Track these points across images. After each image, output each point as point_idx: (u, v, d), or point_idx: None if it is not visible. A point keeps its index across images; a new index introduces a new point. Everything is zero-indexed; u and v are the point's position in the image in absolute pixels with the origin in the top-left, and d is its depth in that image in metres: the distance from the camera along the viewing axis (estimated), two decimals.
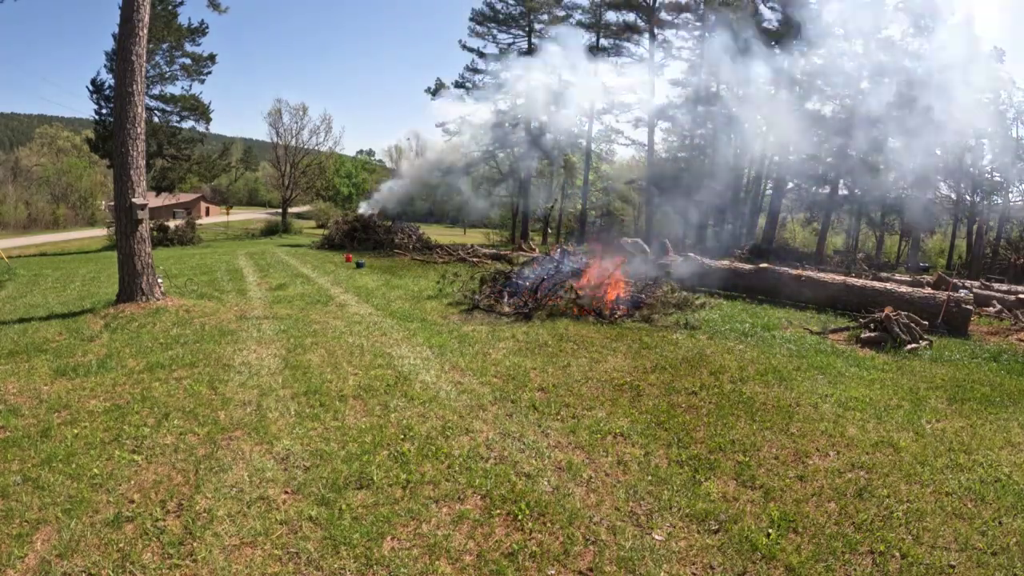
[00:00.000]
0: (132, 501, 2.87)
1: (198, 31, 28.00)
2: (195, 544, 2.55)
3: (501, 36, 34.24)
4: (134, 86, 7.22)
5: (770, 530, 2.78)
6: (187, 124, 29.43)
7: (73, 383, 4.49)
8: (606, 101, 33.71)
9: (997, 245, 30.09)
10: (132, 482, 3.04)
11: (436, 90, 34.33)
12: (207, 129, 30.27)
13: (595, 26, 32.45)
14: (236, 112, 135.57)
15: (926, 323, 7.41)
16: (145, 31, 7.36)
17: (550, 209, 37.41)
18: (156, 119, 27.76)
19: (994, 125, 28.30)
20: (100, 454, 3.32)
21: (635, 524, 2.81)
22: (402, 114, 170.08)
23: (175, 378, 4.62)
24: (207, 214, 57.45)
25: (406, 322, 7.14)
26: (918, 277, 16.30)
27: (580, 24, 32.88)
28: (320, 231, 30.97)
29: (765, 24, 30.15)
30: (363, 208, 27.36)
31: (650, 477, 3.25)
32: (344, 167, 59.15)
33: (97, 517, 2.73)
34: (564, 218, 38.43)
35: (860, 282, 10.11)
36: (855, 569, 2.54)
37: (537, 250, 19.19)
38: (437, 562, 2.49)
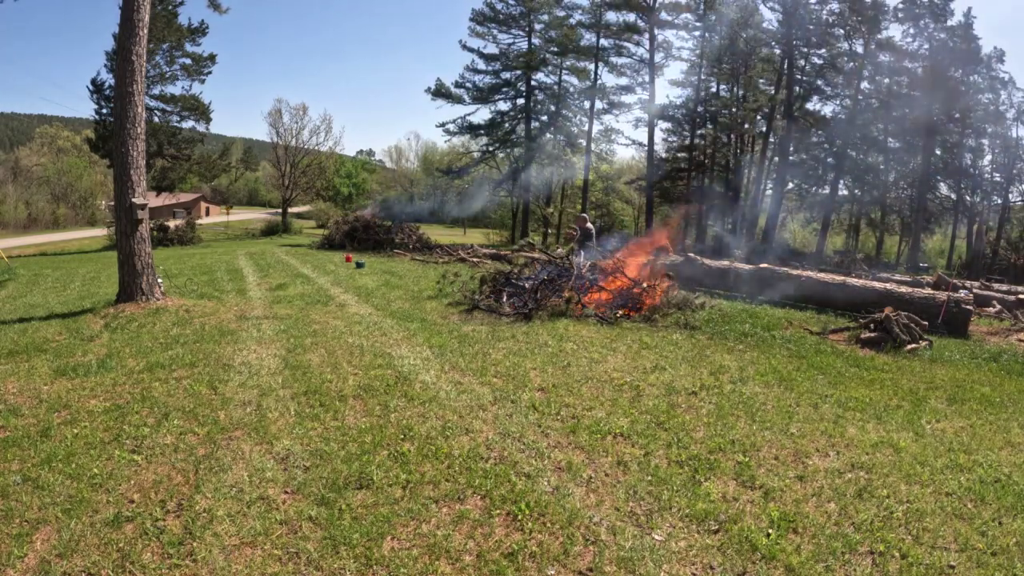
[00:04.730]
0: (132, 501, 2.87)
1: (198, 31, 28.03)
2: (195, 544, 2.54)
3: (501, 36, 34.26)
4: (134, 86, 7.22)
5: (770, 530, 2.78)
6: (187, 124, 29.51)
7: (73, 383, 4.49)
8: (606, 101, 33.75)
9: (997, 245, 30.10)
10: (132, 482, 3.04)
11: (436, 90, 34.31)
12: (207, 129, 30.35)
13: (595, 26, 32.45)
14: (236, 112, 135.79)
15: (926, 323, 7.41)
16: (145, 31, 7.36)
17: (551, 213, 37.41)
18: (156, 119, 27.78)
19: (994, 125, 28.32)
20: (100, 454, 3.32)
21: (635, 524, 2.81)
22: (402, 114, 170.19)
23: (175, 378, 4.62)
24: (207, 214, 57.46)
25: (406, 322, 7.14)
26: (918, 277, 16.32)
27: (580, 24, 32.87)
28: (320, 231, 30.99)
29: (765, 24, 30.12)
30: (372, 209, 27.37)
31: (650, 477, 3.25)
32: (344, 167, 59.18)
33: (97, 517, 2.72)
34: (564, 218, 38.40)
35: (860, 282, 10.11)
36: (855, 569, 2.54)
37: (537, 250, 19.17)
38: (437, 562, 2.49)
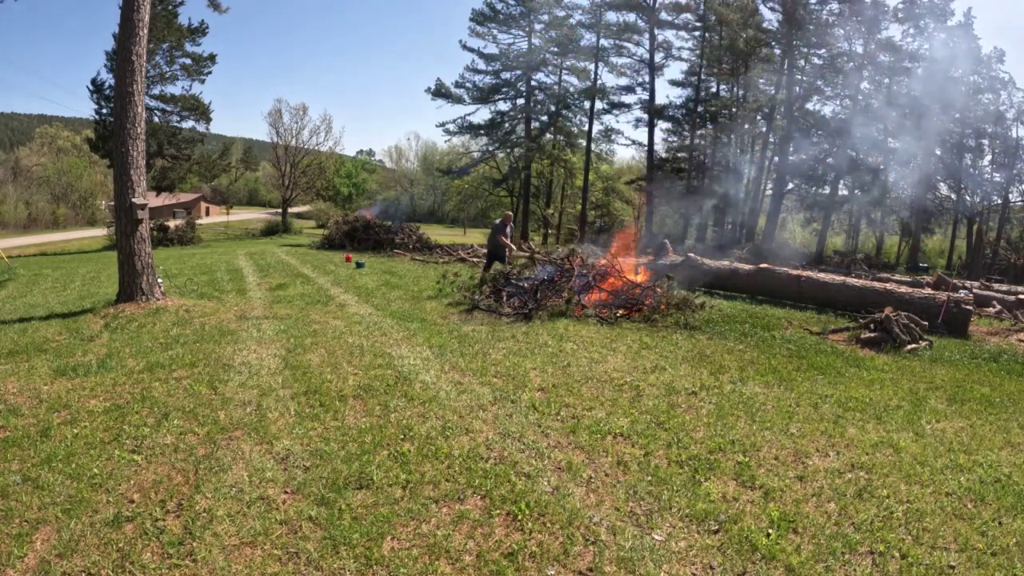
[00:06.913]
0: (132, 501, 2.87)
1: (198, 31, 28.04)
2: (195, 544, 2.54)
3: (501, 36, 34.24)
4: (134, 86, 7.22)
5: (770, 530, 2.78)
6: (187, 124, 29.51)
7: (73, 383, 4.49)
8: (606, 101, 33.74)
9: (997, 245, 30.09)
10: (132, 482, 3.04)
11: (436, 90, 34.30)
12: (207, 129, 30.36)
13: (595, 26, 32.44)
14: (236, 112, 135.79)
15: (926, 323, 7.41)
16: (145, 31, 7.36)
17: (551, 213, 37.39)
18: (156, 119, 27.78)
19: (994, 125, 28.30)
20: (100, 454, 3.32)
21: (635, 524, 2.81)
22: (402, 114, 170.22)
23: (175, 378, 4.62)
24: (207, 214, 57.47)
25: (406, 322, 7.14)
26: (918, 278, 16.32)
27: (580, 24, 32.86)
28: (320, 231, 30.99)
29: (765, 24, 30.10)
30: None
31: (650, 477, 3.25)
32: (344, 167, 59.22)
33: (97, 517, 2.72)
34: (564, 218, 38.42)
35: (860, 282, 10.11)
36: (855, 569, 2.54)
37: (537, 251, 19.20)
38: (437, 562, 2.49)
